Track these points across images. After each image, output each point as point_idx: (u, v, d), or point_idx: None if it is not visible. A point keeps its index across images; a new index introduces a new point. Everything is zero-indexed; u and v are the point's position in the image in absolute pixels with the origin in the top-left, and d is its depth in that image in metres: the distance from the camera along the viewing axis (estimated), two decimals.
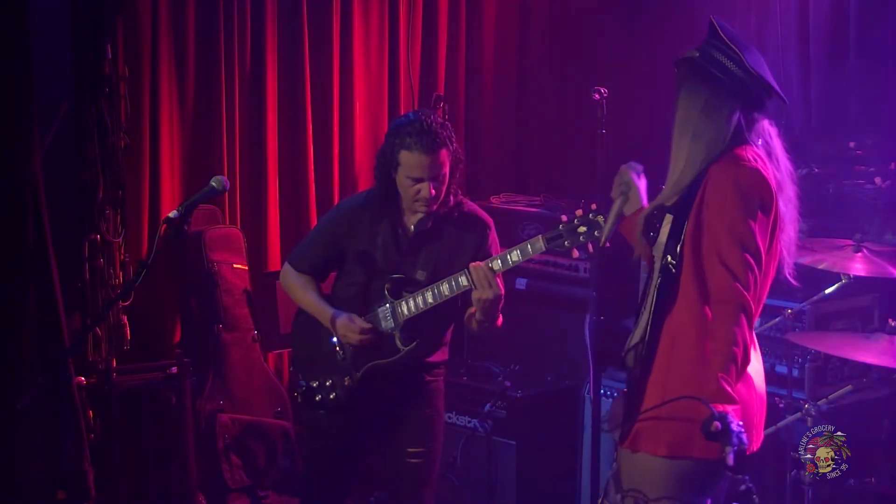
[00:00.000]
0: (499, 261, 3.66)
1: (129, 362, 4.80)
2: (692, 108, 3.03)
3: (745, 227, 2.92)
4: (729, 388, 2.88)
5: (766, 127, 3.09)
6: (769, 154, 3.06)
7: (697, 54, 3.03)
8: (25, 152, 4.27)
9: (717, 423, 2.75)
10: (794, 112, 5.55)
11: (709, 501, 3.09)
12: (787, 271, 3.12)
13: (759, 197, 2.95)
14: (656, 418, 2.99)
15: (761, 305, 3.08)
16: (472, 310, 3.76)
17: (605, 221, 3.29)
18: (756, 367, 3.09)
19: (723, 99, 3.00)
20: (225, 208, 5.32)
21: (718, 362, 2.91)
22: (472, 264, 3.66)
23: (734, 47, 2.98)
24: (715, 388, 2.88)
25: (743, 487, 2.66)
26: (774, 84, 3.04)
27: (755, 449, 3.08)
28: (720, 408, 2.82)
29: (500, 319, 3.81)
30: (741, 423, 2.79)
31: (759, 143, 3.06)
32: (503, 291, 3.67)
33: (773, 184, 2.98)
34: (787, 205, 3.05)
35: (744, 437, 2.77)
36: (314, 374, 3.92)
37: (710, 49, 3.02)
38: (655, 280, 3.07)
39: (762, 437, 3.13)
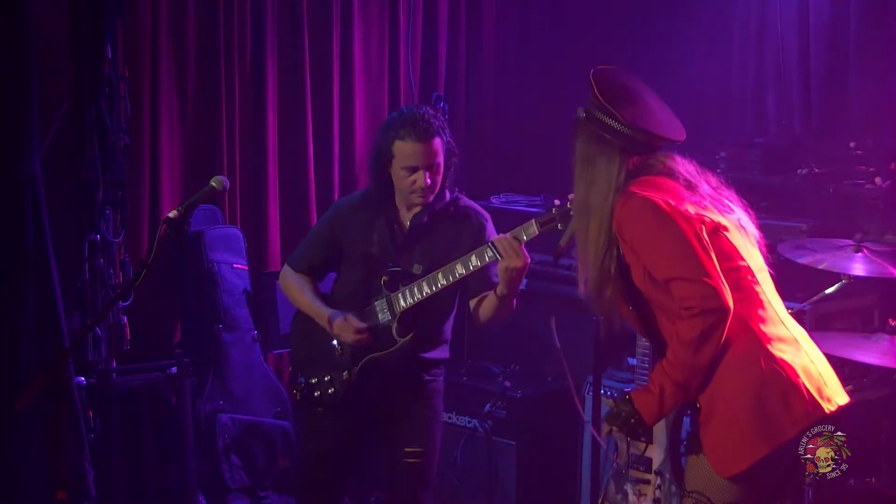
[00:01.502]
0: (489, 248, 3.68)
1: (129, 362, 4.80)
2: (583, 168, 3.19)
3: (673, 257, 3.01)
4: (657, 392, 3.02)
5: (659, 158, 3.18)
6: (671, 173, 3.15)
7: (583, 114, 3.19)
8: (25, 152, 4.26)
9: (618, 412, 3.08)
10: (795, 112, 5.55)
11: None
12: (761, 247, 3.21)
13: (654, 221, 3.03)
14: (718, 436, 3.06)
15: (765, 276, 3.15)
16: (486, 293, 3.78)
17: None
18: (801, 341, 3.14)
19: (608, 155, 3.14)
20: (225, 208, 5.31)
21: (666, 364, 3.03)
22: (496, 237, 3.67)
23: (607, 104, 3.11)
24: (646, 388, 3.06)
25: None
26: (658, 129, 3.14)
27: (843, 405, 3.11)
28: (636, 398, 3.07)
29: (514, 304, 3.83)
30: (639, 416, 3.06)
31: (653, 167, 3.16)
32: (529, 259, 3.67)
33: (660, 198, 3.05)
34: (706, 197, 3.13)
35: (635, 430, 3.08)
36: (313, 372, 3.93)
37: (592, 108, 3.16)
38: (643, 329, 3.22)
39: (845, 396, 3.15)
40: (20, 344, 4.29)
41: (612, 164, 3.13)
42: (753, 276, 3.10)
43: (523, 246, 3.65)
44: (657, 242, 3.03)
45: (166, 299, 5.17)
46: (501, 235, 3.66)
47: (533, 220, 3.61)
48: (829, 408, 3.05)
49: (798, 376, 3.03)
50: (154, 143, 5.10)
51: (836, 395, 3.11)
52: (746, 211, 3.23)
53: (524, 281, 5.26)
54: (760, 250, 3.20)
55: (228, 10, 5.29)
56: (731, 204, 3.20)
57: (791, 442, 3.01)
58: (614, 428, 3.12)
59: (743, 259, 3.10)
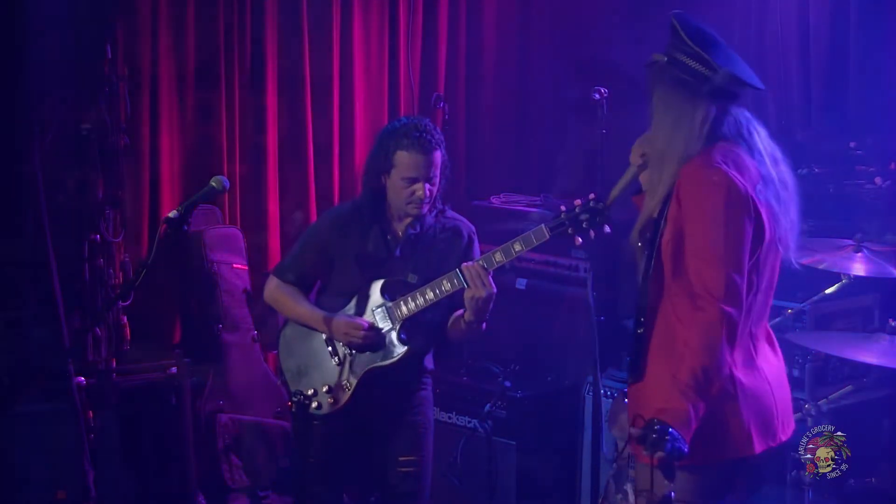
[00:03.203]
0: (500, 253, 3.65)
1: (129, 362, 4.80)
2: (665, 114, 3.03)
3: (722, 241, 2.90)
4: (687, 405, 2.86)
5: (744, 117, 3.06)
6: (750, 148, 3.04)
7: (665, 58, 3.02)
8: (25, 152, 4.27)
9: (654, 434, 2.80)
10: (795, 112, 5.55)
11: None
12: (793, 256, 3.11)
13: (724, 200, 2.91)
14: None
15: (763, 298, 3.08)
16: (458, 313, 3.77)
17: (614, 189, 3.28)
18: (764, 363, 3.09)
19: (693, 101, 2.99)
20: (225, 208, 5.32)
21: (683, 374, 2.90)
22: (465, 264, 3.66)
23: (696, 48, 2.96)
24: (671, 406, 2.89)
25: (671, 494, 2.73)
26: (744, 75, 3.00)
27: (784, 440, 3.08)
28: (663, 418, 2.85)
29: (484, 327, 3.81)
30: (676, 433, 2.81)
31: (739, 134, 3.03)
32: (495, 290, 3.67)
33: (741, 182, 2.94)
34: (775, 197, 3.02)
35: (679, 446, 2.81)
36: (309, 384, 3.90)
37: (675, 52, 3.00)
38: (643, 287, 3.09)
39: (791, 427, 3.13)
40: (20, 344, 4.29)
41: (697, 111, 2.98)
42: (755, 295, 3.03)
43: (490, 274, 3.63)
44: (717, 222, 2.90)
45: (166, 299, 5.17)
46: (470, 263, 3.65)
47: (542, 225, 3.57)
48: (770, 444, 3.01)
49: (745, 405, 2.98)
50: (154, 143, 5.11)
51: (779, 430, 3.06)
52: (795, 211, 3.09)
53: (524, 281, 5.30)
54: (777, 267, 3.10)
55: (229, 11, 5.29)
56: (785, 210, 3.06)
57: (725, 463, 2.97)
58: (658, 454, 2.84)
59: (759, 274, 3.02)
